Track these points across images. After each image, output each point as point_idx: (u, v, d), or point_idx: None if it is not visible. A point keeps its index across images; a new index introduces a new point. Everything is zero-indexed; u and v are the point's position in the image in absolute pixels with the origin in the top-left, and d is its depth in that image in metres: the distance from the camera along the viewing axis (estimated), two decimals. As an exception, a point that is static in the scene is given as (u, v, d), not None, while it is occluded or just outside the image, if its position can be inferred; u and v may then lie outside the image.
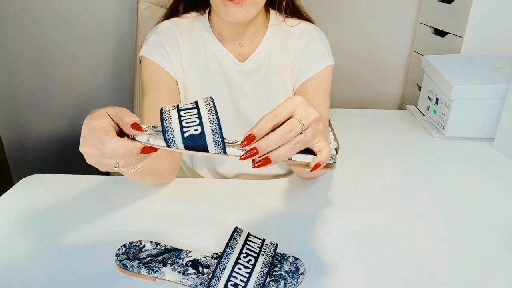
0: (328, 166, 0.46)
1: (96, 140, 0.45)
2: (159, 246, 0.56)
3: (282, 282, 0.50)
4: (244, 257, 0.49)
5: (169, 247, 0.56)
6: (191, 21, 0.84)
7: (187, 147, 0.44)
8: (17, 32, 1.39)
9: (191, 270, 0.52)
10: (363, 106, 1.56)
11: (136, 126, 0.45)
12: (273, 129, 0.44)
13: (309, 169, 0.46)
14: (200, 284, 0.49)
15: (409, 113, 1.19)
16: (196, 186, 0.80)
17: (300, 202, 0.73)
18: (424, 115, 1.14)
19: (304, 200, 0.74)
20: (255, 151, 0.43)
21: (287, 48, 0.84)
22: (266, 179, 0.82)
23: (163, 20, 0.84)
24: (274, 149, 0.44)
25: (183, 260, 0.53)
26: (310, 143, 0.45)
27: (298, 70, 0.83)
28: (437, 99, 1.06)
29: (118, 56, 1.45)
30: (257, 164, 0.44)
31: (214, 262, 0.53)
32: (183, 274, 0.51)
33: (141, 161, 0.55)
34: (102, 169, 0.49)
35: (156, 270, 0.51)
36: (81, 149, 0.47)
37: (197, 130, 0.43)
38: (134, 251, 0.54)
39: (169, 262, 0.53)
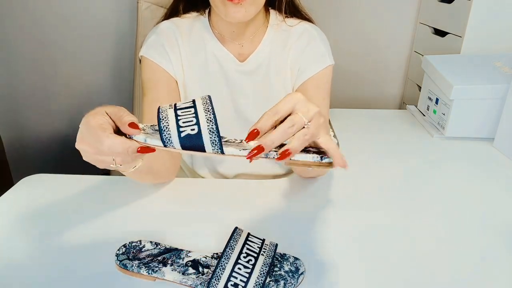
0: (328, 165, 0.46)
1: (93, 137, 0.45)
2: (159, 246, 0.56)
3: (282, 282, 0.50)
4: (244, 257, 0.49)
5: (169, 247, 0.56)
6: (191, 21, 0.84)
7: (183, 147, 0.44)
8: (17, 32, 1.39)
9: (191, 270, 0.52)
10: (363, 106, 1.56)
11: (133, 125, 0.46)
12: (275, 126, 0.44)
13: (311, 169, 0.46)
14: (200, 284, 0.49)
15: (409, 113, 1.19)
16: (196, 186, 0.80)
17: (300, 202, 0.73)
18: (424, 115, 1.14)
19: (304, 200, 0.74)
20: (260, 148, 0.43)
21: (287, 48, 0.84)
22: (266, 179, 0.82)
23: (163, 20, 0.84)
24: (284, 144, 0.44)
25: (183, 260, 0.53)
26: (315, 136, 0.46)
27: (298, 70, 0.83)
28: (437, 99, 1.06)
29: (118, 56, 1.45)
30: (279, 157, 0.44)
31: (214, 262, 0.53)
32: (183, 274, 0.51)
33: (138, 160, 0.55)
34: (99, 166, 0.49)
35: (156, 270, 0.51)
36: (77, 146, 0.48)
37: (194, 129, 0.43)
38: (134, 251, 0.54)
39: (169, 262, 0.53)
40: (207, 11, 0.84)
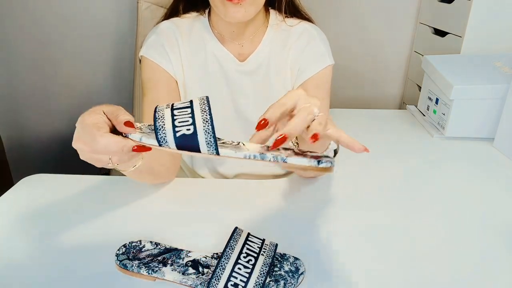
0: (326, 170, 0.46)
1: (88, 136, 0.45)
2: (159, 246, 0.56)
3: (282, 282, 0.50)
4: (244, 257, 0.49)
5: (169, 247, 0.56)
6: (191, 21, 0.84)
7: (179, 147, 0.44)
8: (17, 32, 1.39)
9: (191, 270, 0.52)
10: (363, 106, 1.56)
11: (129, 124, 0.46)
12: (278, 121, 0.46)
13: (305, 171, 0.47)
14: (200, 284, 0.49)
15: (409, 113, 1.19)
16: (196, 186, 0.80)
17: (300, 202, 0.73)
18: (424, 115, 1.14)
19: (304, 200, 0.74)
20: (283, 138, 0.44)
21: (287, 48, 0.84)
22: (266, 179, 0.82)
23: (163, 20, 0.84)
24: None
25: (183, 260, 0.53)
26: (328, 125, 0.47)
27: (298, 70, 0.84)
28: (437, 99, 1.06)
29: (118, 56, 1.45)
30: (313, 140, 0.45)
31: (214, 262, 0.53)
32: (183, 274, 0.51)
33: (137, 159, 0.55)
34: (96, 165, 0.49)
35: (156, 270, 0.51)
36: (73, 145, 0.48)
37: (189, 129, 0.43)
38: (134, 251, 0.54)
39: (169, 262, 0.53)
40: (207, 11, 0.84)
